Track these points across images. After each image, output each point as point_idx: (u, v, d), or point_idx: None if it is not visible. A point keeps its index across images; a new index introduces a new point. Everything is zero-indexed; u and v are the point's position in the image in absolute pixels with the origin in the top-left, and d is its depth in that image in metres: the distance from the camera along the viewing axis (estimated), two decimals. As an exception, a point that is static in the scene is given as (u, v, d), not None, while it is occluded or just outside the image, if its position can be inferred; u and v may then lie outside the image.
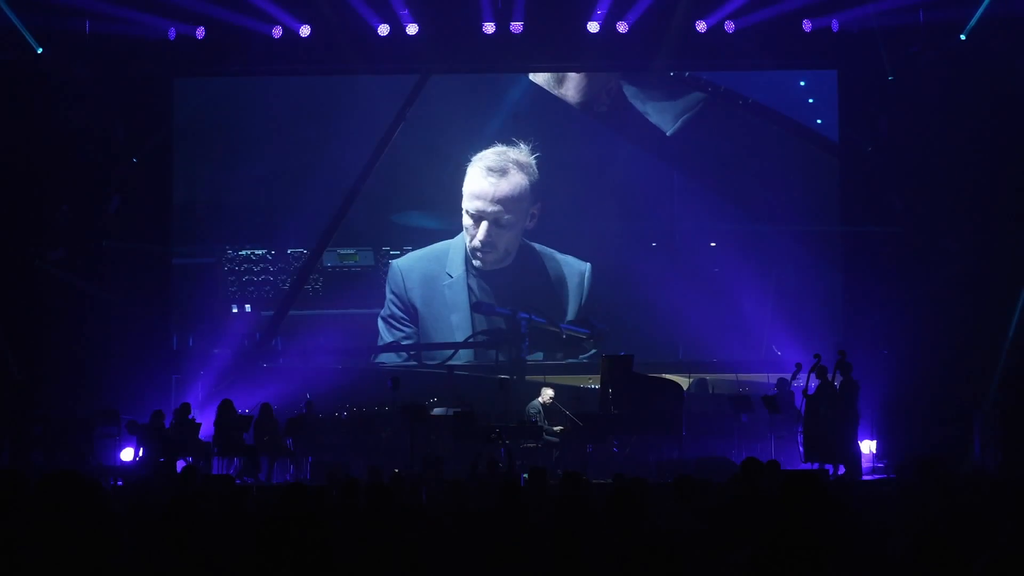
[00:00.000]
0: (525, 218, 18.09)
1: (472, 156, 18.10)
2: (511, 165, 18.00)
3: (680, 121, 18.30)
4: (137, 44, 17.19)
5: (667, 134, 18.31)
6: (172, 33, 17.13)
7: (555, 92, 18.55)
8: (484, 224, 17.91)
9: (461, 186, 18.12)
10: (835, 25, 16.97)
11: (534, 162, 18.03)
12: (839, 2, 16.86)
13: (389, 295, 18.20)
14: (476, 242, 17.96)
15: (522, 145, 18.05)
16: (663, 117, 18.39)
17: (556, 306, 18.17)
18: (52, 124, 17.00)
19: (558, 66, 18.40)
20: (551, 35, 17.41)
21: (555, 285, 18.23)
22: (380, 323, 18.21)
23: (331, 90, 18.68)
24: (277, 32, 17.24)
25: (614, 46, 17.34)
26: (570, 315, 18.14)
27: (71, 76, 16.99)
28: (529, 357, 18.04)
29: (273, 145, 18.38)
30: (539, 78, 18.56)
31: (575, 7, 17.25)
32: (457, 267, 18.14)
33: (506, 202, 18.00)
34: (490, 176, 18.00)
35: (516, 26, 17.19)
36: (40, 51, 16.55)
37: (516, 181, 18.03)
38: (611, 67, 18.34)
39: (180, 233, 18.39)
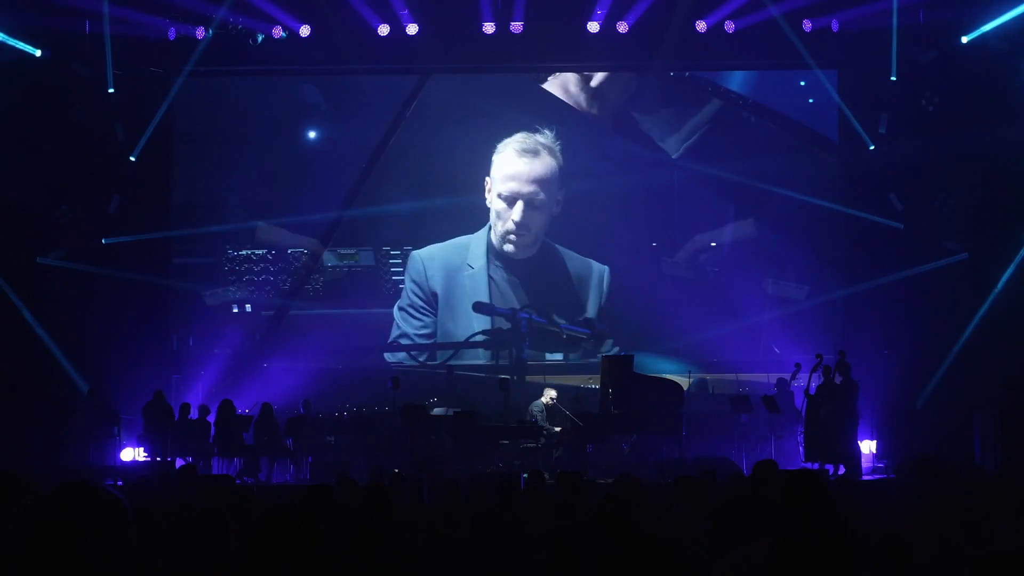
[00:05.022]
0: (554, 203, 18.10)
1: (496, 144, 18.08)
2: (541, 147, 18.06)
3: (684, 146, 18.28)
4: (137, 44, 17.19)
5: (673, 157, 18.32)
6: (172, 33, 17.14)
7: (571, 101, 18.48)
8: (519, 204, 17.89)
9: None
10: (835, 25, 16.98)
11: (558, 148, 18.06)
12: (839, 2, 16.87)
13: (409, 284, 18.16)
14: (510, 224, 17.90)
15: (545, 131, 18.09)
16: (670, 141, 18.38)
17: (576, 303, 18.18)
18: (52, 124, 17.00)
19: (558, 66, 18.40)
20: (551, 35, 17.41)
21: (575, 283, 18.27)
22: (396, 313, 18.16)
23: (331, 90, 18.67)
24: (277, 32, 17.25)
25: (614, 46, 17.35)
26: (590, 313, 18.12)
27: (71, 76, 16.99)
28: (548, 357, 18.05)
29: (273, 145, 18.38)
30: (553, 88, 18.50)
31: (575, 7, 17.25)
32: (479, 258, 18.12)
33: (540, 182, 18.02)
34: (523, 156, 18.04)
35: (516, 26, 17.19)
36: (39, 52, 16.56)
37: (547, 162, 18.06)
38: (611, 67, 18.35)
39: (180, 233, 18.36)
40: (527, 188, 17.98)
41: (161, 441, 15.13)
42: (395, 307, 18.20)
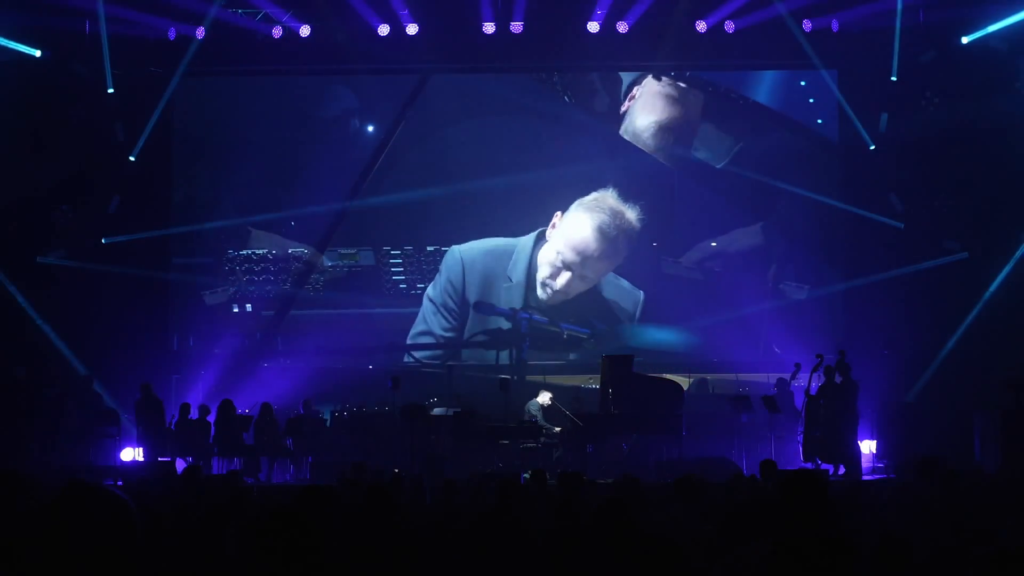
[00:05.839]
0: (599, 272, 18.00)
1: (575, 198, 17.80)
2: (622, 235, 17.78)
3: (730, 155, 18.17)
4: (137, 44, 17.20)
5: (717, 167, 18.24)
6: (172, 33, 17.15)
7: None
8: (568, 275, 17.77)
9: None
10: (835, 25, 16.99)
11: (639, 226, 17.87)
12: (839, 2, 16.87)
13: (444, 282, 18.06)
14: (552, 283, 17.74)
15: (636, 206, 17.79)
16: (713, 152, 18.27)
17: (609, 329, 18.06)
18: (52, 124, 17.00)
19: (558, 66, 18.40)
20: (551, 35, 17.41)
21: (611, 309, 18.10)
22: (426, 303, 18.09)
23: (331, 90, 18.67)
24: (277, 32, 17.26)
25: (614, 46, 17.35)
26: (623, 339, 17.97)
27: (71, 76, 16.99)
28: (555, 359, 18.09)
29: (272, 145, 18.37)
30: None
31: (575, 7, 17.25)
32: (519, 273, 17.97)
33: (601, 263, 17.89)
34: (600, 240, 17.73)
35: (516, 26, 17.20)
36: (39, 53, 16.57)
37: (618, 248, 17.86)
38: (611, 67, 18.34)
39: (180, 233, 18.36)
40: (585, 267, 17.80)
41: (155, 437, 15.17)
42: (425, 295, 18.14)
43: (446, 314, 18.04)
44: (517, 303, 17.93)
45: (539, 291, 17.90)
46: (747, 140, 18.18)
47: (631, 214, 17.83)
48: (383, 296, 18.36)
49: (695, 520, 6.53)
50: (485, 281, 18.00)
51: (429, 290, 18.14)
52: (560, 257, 17.80)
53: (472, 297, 17.98)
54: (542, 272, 17.88)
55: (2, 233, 16.88)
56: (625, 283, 18.12)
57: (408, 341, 18.19)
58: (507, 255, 18.04)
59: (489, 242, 18.11)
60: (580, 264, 17.81)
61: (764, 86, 18.53)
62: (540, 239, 17.97)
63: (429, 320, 18.09)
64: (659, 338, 17.82)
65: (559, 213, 17.90)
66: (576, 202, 17.90)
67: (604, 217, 17.79)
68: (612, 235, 17.80)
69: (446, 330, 18.07)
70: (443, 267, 18.12)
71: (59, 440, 15.58)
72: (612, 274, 18.12)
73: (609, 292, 18.13)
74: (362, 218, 18.47)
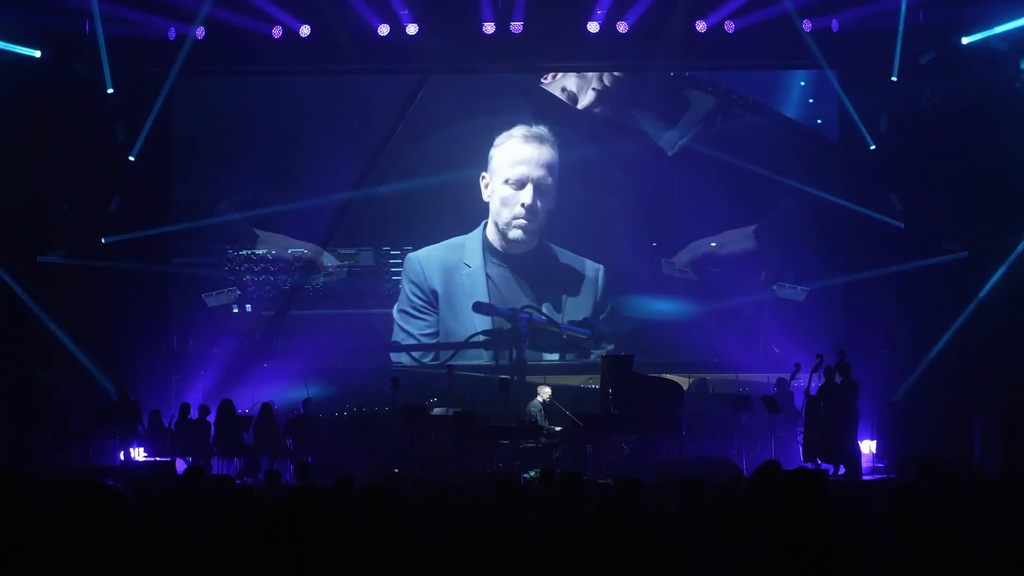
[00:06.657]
0: (554, 194, 18.16)
1: (494, 139, 18.15)
2: (545, 137, 18.17)
3: (679, 144, 18.30)
4: (137, 44, 17.20)
5: (668, 154, 18.35)
6: (172, 33, 17.15)
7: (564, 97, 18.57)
8: (529, 187, 17.96)
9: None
10: (835, 25, 17.00)
11: (555, 139, 18.19)
12: (839, 2, 16.88)
13: (408, 286, 18.16)
14: (518, 208, 17.94)
15: (542, 126, 18.19)
16: (666, 138, 18.41)
17: (572, 299, 18.23)
18: (52, 124, 17.00)
19: (558, 66, 18.41)
20: (551, 35, 17.43)
21: (571, 280, 18.30)
22: (397, 315, 18.14)
23: (331, 90, 18.68)
24: (277, 32, 17.26)
25: (614, 46, 17.37)
26: (586, 311, 18.17)
27: (71, 76, 16.99)
28: (546, 357, 18.12)
29: (273, 145, 18.37)
30: (554, 87, 18.60)
31: (575, 7, 17.27)
32: (475, 257, 18.16)
33: (547, 168, 18.11)
34: (531, 143, 18.14)
35: (516, 26, 17.21)
36: (39, 53, 16.57)
37: (551, 152, 18.17)
38: (611, 67, 18.36)
39: (180, 233, 18.37)
40: (537, 172, 18.05)
41: (129, 437, 15.23)
42: (394, 310, 18.20)
43: (417, 314, 18.10)
44: (480, 286, 18.02)
45: (511, 234, 18.01)
46: (747, 140, 18.19)
47: (541, 130, 18.15)
48: (383, 296, 18.36)
49: (695, 520, 6.53)
50: (445, 271, 18.17)
51: (395, 307, 18.18)
52: (513, 180, 18.01)
53: (438, 288, 18.09)
54: (504, 214, 18.03)
55: (2, 233, 16.88)
56: (585, 259, 18.25)
57: (391, 349, 18.20)
58: (460, 246, 18.26)
59: (438, 243, 18.30)
60: (535, 174, 18.01)
61: (764, 86, 18.56)
62: (484, 227, 18.19)
63: (405, 327, 18.15)
64: (659, 308, 17.92)
65: (484, 173, 18.14)
66: (491, 149, 18.17)
67: (522, 130, 18.18)
68: (540, 136, 18.10)
69: (422, 329, 18.11)
70: (403, 277, 18.25)
71: (66, 442, 15.59)
72: (570, 252, 18.24)
73: (568, 265, 18.28)
74: (362, 218, 18.49)
